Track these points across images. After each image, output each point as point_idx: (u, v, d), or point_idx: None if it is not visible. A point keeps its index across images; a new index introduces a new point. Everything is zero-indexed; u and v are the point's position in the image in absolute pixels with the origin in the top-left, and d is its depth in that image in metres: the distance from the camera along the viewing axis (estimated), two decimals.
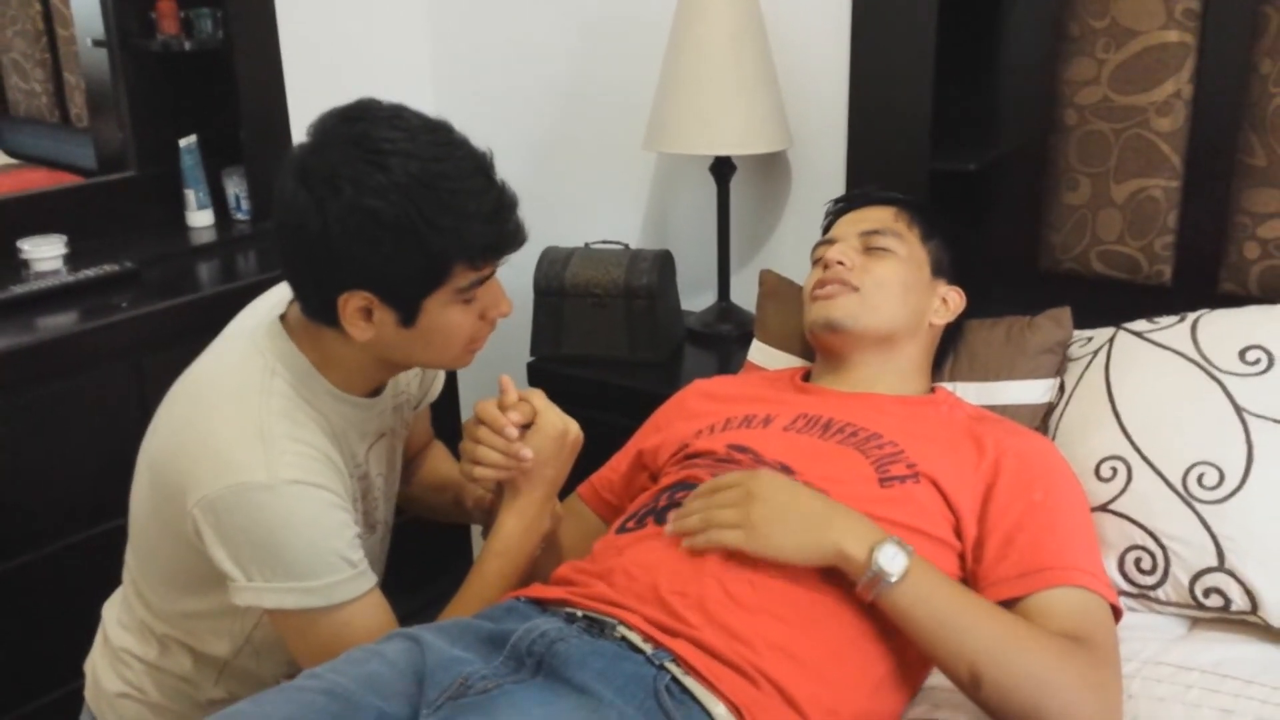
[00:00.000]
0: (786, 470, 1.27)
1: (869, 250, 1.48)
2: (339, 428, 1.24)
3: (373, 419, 1.30)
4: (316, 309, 1.18)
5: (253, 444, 1.14)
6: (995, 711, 1.12)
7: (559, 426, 1.28)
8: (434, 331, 1.18)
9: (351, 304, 1.14)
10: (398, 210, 1.09)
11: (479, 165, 1.14)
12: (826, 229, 1.60)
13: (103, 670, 1.37)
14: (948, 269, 1.53)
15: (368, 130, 1.11)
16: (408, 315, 1.16)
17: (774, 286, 1.76)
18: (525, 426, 1.28)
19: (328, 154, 1.11)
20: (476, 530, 2.30)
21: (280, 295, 1.28)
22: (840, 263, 1.46)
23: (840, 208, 1.61)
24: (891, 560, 1.11)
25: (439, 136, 1.14)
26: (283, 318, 1.24)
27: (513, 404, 1.28)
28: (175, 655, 1.32)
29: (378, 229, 1.10)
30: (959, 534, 1.26)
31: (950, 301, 1.52)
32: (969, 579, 1.24)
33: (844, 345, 1.47)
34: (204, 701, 1.33)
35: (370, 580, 1.22)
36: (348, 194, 1.09)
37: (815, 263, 1.53)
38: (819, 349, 1.52)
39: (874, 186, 1.64)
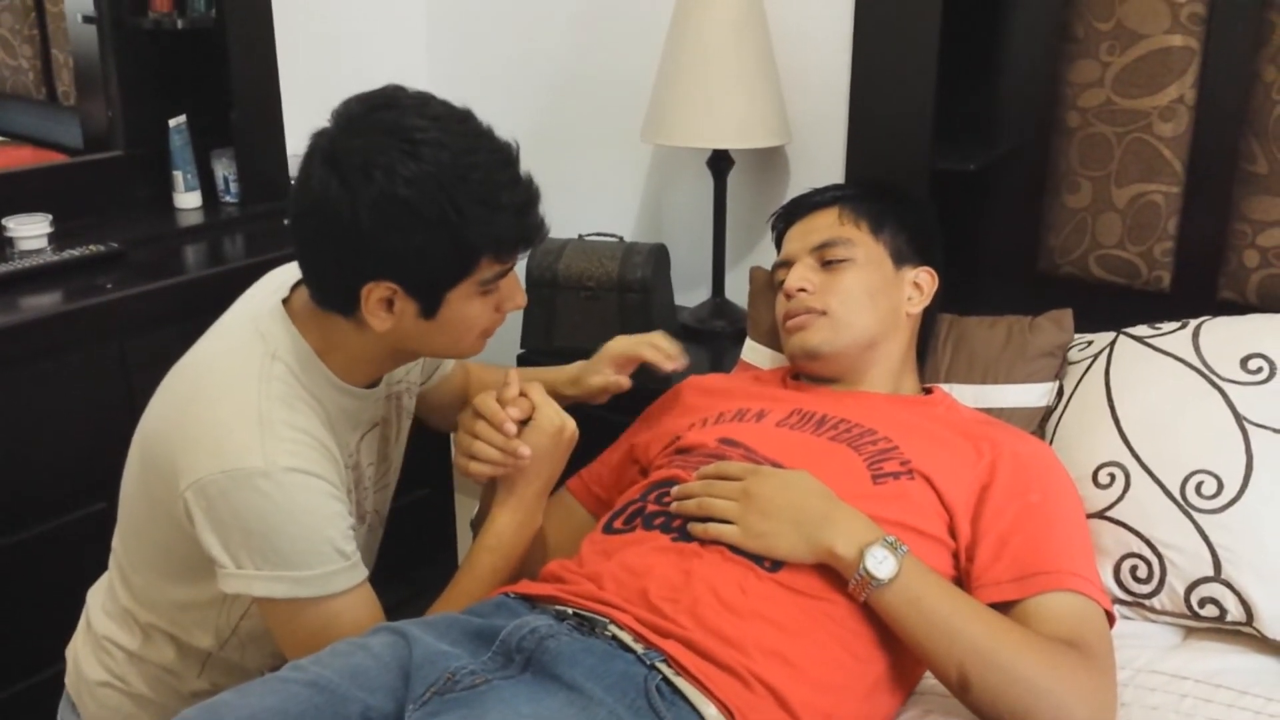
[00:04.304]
0: (777, 467, 1.26)
1: (826, 265, 1.46)
2: (334, 416, 1.22)
3: (367, 408, 1.28)
4: (335, 298, 1.17)
5: (251, 429, 1.13)
6: (985, 715, 1.11)
7: (556, 423, 1.27)
8: (452, 323, 1.17)
9: (375, 294, 1.13)
10: (430, 200, 1.07)
11: (507, 158, 1.13)
12: (778, 242, 1.58)
13: (85, 658, 1.35)
14: (910, 253, 1.50)
15: (399, 119, 1.09)
16: (430, 307, 1.15)
17: (764, 284, 1.74)
18: (523, 422, 1.26)
19: (357, 141, 1.09)
20: (463, 523, 2.29)
21: (283, 279, 1.26)
22: (802, 289, 1.45)
23: (785, 219, 1.57)
24: (880, 564, 1.11)
25: (469, 127, 1.12)
26: (286, 302, 1.22)
27: (512, 399, 1.26)
28: (159, 645, 1.30)
29: (409, 219, 1.08)
30: (953, 532, 1.25)
31: (923, 284, 1.50)
32: (962, 579, 1.23)
33: (828, 367, 1.46)
34: (187, 693, 1.31)
35: (361, 573, 1.20)
36: (379, 182, 1.07)
37: (778, 286, 1.51)
38: (805, 373, 1.51)
39: (812, 189, 1.60)
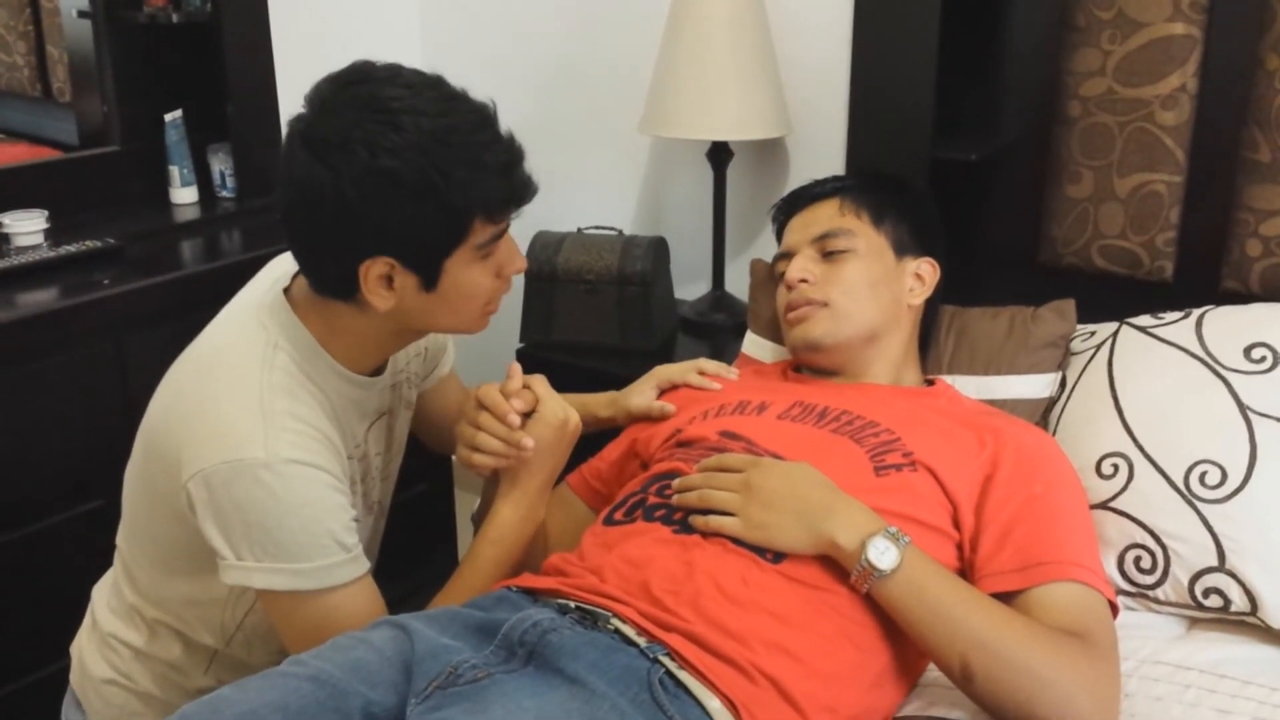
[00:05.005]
0: (778, 459, 1.25)
1: (827, 256, 1.46)
2: (339, 406, 1.22)
3: (373, 398, 1.28)
4: (334, 283, 1.17)
5: (253, 420, 1.12)
6: (988, 705, 1.11)
7: (560, 415, 1.27)
8: (455, 293, 1.17)
9: (373, 272, 1.13)
10: (415, 168, 1.08)
11: (485, 118, 1.14)
12: (778, 234, 1.58)
13: (90, 655, 1.35)
14: (912, 244, 1.50)
15: (373, 91, 1.10)
16: (430, 278, 1.15)
17: (765, 276, 1.73)
18: (527, 414, 1.25)
19: (335, 120, 1.09)
20: (463, 518, 2.28)
21: (283, 269, 1.26)
22: (803, 280, 1.44)
23: (786, 211, 1.57)
24: (882, 555, 1.11)
25: (441, 91, 1.13)
26: (286, 291, 1.22)
27: (516, 391, 1.26)
28: (165, 641, 1.30)
29: (396, 190, 1.08)
30: (956, 524, 1.25)
31: (924, 275, 1.50)
32: (966, 570, 1.23)
33: (830, 359, 1.46)
34: (193, 690, 1.30)
35: (363, 566, 1.20)
36: (362, 157, 1.07)
37: (779, 278, 1.51)
38: (807, 365, 1.51)
39: (813, 180, 1.60)
